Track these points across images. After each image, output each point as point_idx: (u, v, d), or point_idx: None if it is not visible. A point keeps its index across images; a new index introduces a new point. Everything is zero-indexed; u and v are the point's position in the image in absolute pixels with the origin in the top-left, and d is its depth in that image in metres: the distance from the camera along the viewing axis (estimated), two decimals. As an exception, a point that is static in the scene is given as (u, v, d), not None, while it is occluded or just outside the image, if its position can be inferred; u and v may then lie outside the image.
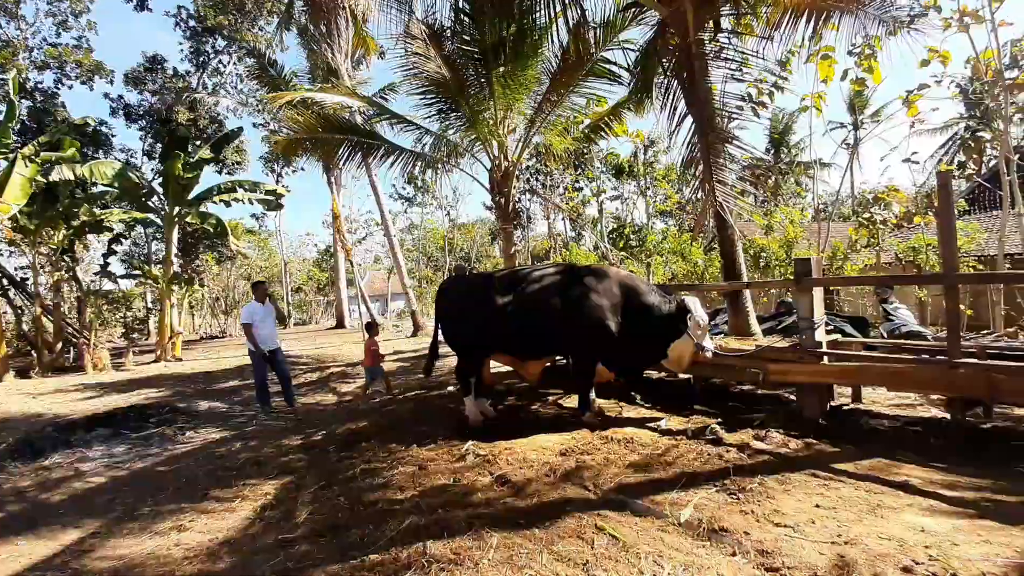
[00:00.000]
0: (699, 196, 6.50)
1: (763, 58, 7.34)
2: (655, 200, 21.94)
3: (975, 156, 14.64)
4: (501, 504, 3.22)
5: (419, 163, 9.95)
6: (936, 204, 12.07)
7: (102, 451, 5.40)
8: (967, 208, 15.37)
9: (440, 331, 5.21)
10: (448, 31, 8.11)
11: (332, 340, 16.24)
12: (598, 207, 23.47)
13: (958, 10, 8.48)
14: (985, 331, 9.36)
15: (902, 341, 4.96)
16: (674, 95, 6.94)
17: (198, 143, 18.94)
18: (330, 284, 31.40)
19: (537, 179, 23.15)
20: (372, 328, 7.16)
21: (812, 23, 7.19)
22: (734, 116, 6.76)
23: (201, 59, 23.61)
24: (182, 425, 6.16)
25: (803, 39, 7.72)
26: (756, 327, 6.40)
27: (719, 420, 4.40)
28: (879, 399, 4.85)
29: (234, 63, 24.04)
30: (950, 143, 24.23)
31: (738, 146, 6.29)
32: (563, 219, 24.93)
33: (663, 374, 6.27)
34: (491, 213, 29.91)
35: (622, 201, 27.88)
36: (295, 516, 3.42)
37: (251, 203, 14.36)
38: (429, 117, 9.50)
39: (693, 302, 4.46)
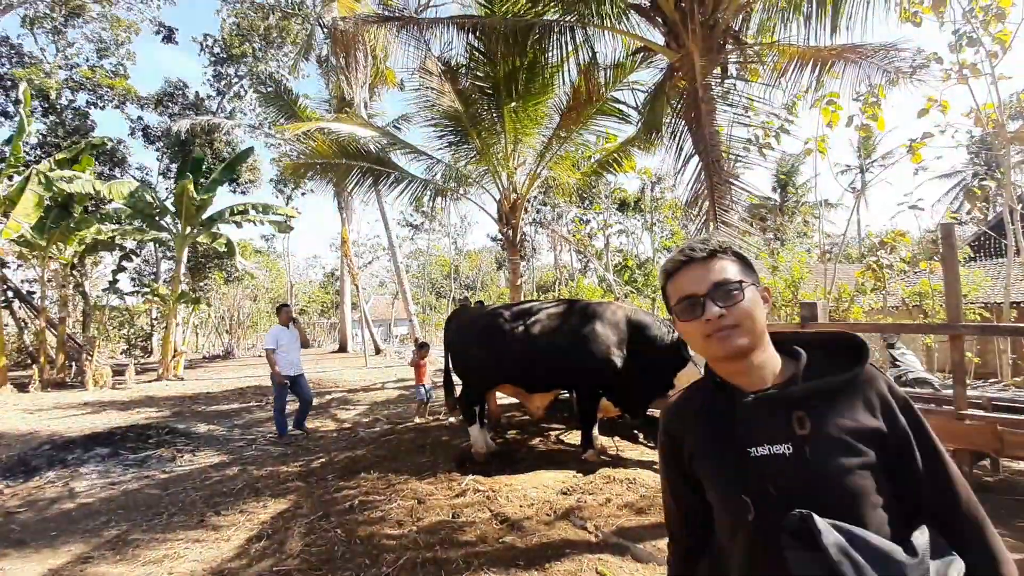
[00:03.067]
0: (704, 234, 6.56)
1: (769, 104, 7.53)
2: (661, 236, 22.11)
3: (980, 204, 14.73)
4: (499, 543, 3.17)
5: (429, 191, 10.13)
6: (940, 250, 12.12)
7: (98, 471, 5.35)
8: (973, 255, 15.39)
9: (449, 361, 5.23)
10: (463, 68, 8.37)
11: (334, 364, 16.19)
12: (604, 240, 23.64)
13: (957, 62, 8.73)
14: (992, 380, 9.26)
15: (908, 389, 4.92)
16: (680, 136, 7.09)
17: (212, 165, 19.41)
18: (334, 307, 31.51)
19: (542, 211, 23.43)
20: (424, 348, 7.12)
21: (816, 71, 7.40)
22: (740, 158, 6.89)
23: (222, 83, 24.38)
24: (180, 447, 6.11)
25: (808, 87, 7.95)
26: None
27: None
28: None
29: (253, 89, 24.82)
30: (956, 188, 24.46)
31: (743, 188, 6.39)
32: (569, 251, 25.11)
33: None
34: (496, 243, 30.19)
35: (627, 235, 28.13)
36: (290, 547, 3.37)
37: (262, 224, 14.55)
38: (441, 148, 9.75)
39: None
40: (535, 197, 20.21)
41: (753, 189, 6.48)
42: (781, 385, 0.93)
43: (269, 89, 17.39)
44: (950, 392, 5.01)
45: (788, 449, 0.87)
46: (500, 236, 10.38)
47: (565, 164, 10.48)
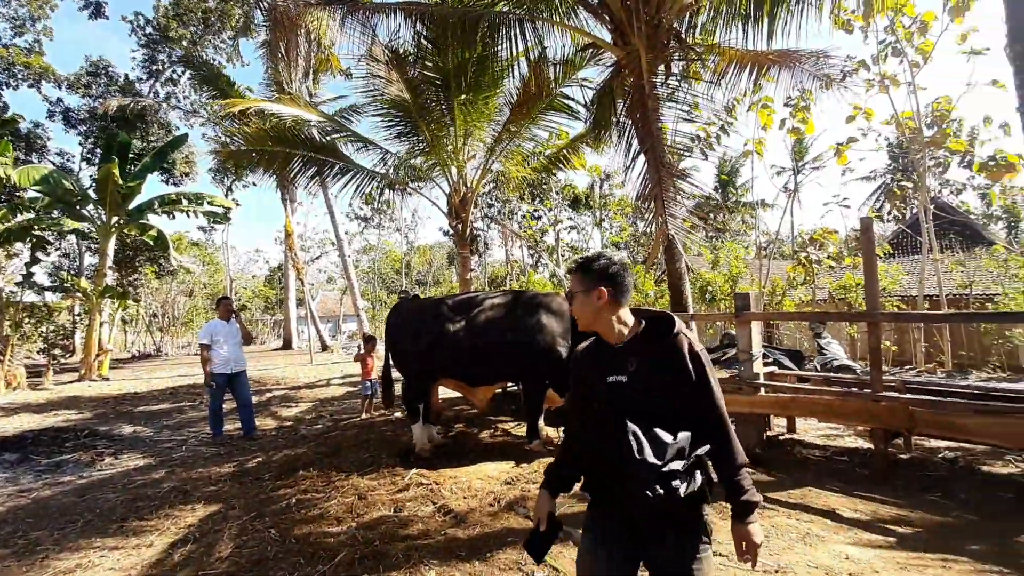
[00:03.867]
0: (652, 230, 6.73)
1: (711, 103, 7.82)
2: (610, 231, 22.56)
3: (899, 204, 15.94)
4: (442, 535, 3.13)
5: (378, 184, 9.86)
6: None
7: (5, 478, 4.90)
8: (891, 252, 16.60)
9: (391, 357, 5.10)
10: (411, 57, 8.19)
11: (277, 362, 15.56)
12: (555, 236, 23.89)
13: (880, 73, 9.37)
14: (908, 366, 10.04)
15: (832, 374, 5.24)
16: (629, 132, 7.24)
17: (142, 151, 18.15)
18: (279, 303, 30.30)
19: (494, 206, 23.41)
20: (370, 342, 6.86)
21: (754, 75, 7.74)
22: (685, 154, 7.10)
23: (155, 68, 22.82)
24: (102, 451, 5.69)
25: (746, 90, 8.32)
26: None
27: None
28: (810, 429, 5.08)
29: (189, 74, 23.37)
30: (879, 191, 26.31)
31: (689, 183, 6.59)
32: (521, 247, 25.23)
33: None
34: (449, 237, 29.91)
35: (578, 232, 28.56)
36: (219, 551, 3.19)
37: (196, 215, 13.75)
38: (389, 139, 9.52)
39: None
40: (486, 192, 20.15)
41: (699, 184, 6.72)
42: (626, 341, 1.54)
43: (205, 72, 16.44)
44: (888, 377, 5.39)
45: (624, 378, 1.49)
46: (451, 230, 10.27)
47: (515, 159, 10.48)
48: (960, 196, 23.65)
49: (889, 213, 21.93)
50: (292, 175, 9.40)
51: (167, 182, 22.78)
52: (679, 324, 1.50)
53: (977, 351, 11.36)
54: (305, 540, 3.19)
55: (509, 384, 6.00)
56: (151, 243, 13.92)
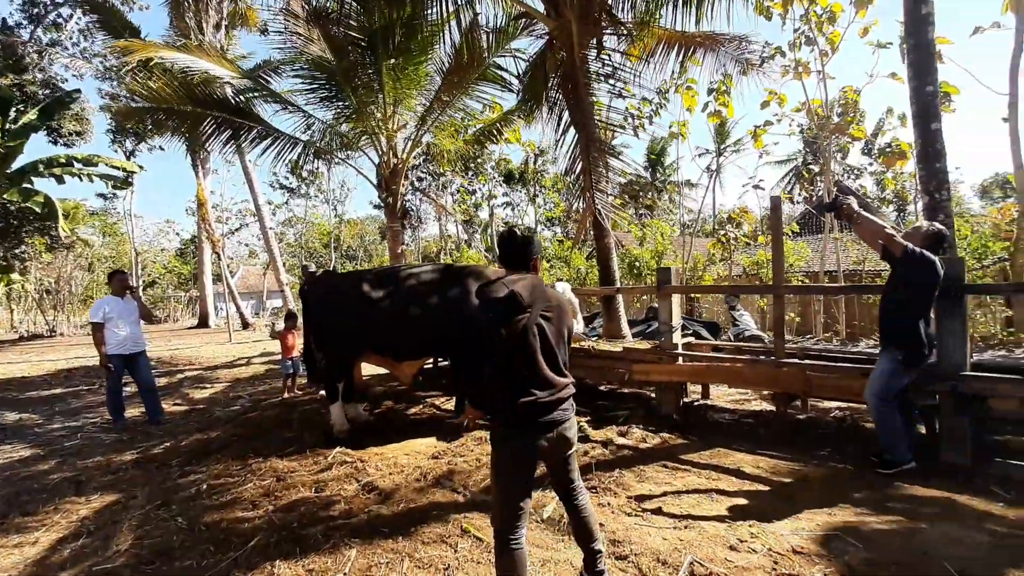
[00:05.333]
0: (581, 205, 6.81)
1: (641, 83, 7.94)
2: (544, 208, 22.74)
3: (807, 186, 17.22)
4: (365, 514, 3.06)
5: (301, 151, 9.26)
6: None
7: None
8: (799, 231, 17.95)
9: (310, 333, 4.86)
10: (333, 14, 7.66)
11: (191, 341, 14.53)
12: (489, 211, 23.76)
13: (795, 60, 9.89)
14: (809, 335, 10.98)
15: (743, 343, 5.62)
16: (560, 106, 7.23)
17: (23, 107, 15.95)
18: (194, 279, 28.17)
19: (425, 180, 22.85)
20: (292, 319, 6.42)
21: (681, 55, 7.93)
22: (616, 130, 7.19)
23: (36, 11, 19.93)
24: (-23, 442, 5.08)
25: (673, 71, 8.52)
26: (627, 330, 6.86)
27: (588, 418, 4.62)
28: (722, 395, 5.44)
29: (78, 18, 20.61)
30: (790, 174, 28.24)
31: (620, 159, 6.70)
32: (455, 222, 24.88)
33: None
34: (380, 211, 28.92)
35: (512, 208, 28.57)
36: (117, 543, 2.95)
37: (90, 179, 12.37)
38: (312, 103, 8.92)
39: (564, 287, 4.63)
40: (418, 164, 19.59)
41: (628, 162, 6.85)
42: None
43: (103, 18, 14.56)
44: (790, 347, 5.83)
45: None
46: (381, 203, 9.90)
47: (448, 131, 10.21)
48: (859, 181, 25.88)
49: (800, 195, 23.67)
50: (204, 139, 8.60)
51: (55, 143, 20.24)
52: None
53: (867, 321, 12.64)
54: (216, 527, 3.02)
55: (437, 359, 5.94)
56: (37, 211, 12.38)
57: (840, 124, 10.40)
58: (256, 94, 8.87)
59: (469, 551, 2.59)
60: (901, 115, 10.19)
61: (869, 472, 3.27)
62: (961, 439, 3.25)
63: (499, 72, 8.82)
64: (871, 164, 25.07)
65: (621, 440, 4.07)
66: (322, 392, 5.89)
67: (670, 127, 11.51)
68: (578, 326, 4.73)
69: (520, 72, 8.50)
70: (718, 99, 9.83)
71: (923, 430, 3.70)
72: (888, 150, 9.65)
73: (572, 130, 6.99)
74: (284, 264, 18.75)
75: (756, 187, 13.56)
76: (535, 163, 21.01)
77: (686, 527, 2.66)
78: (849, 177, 25.78)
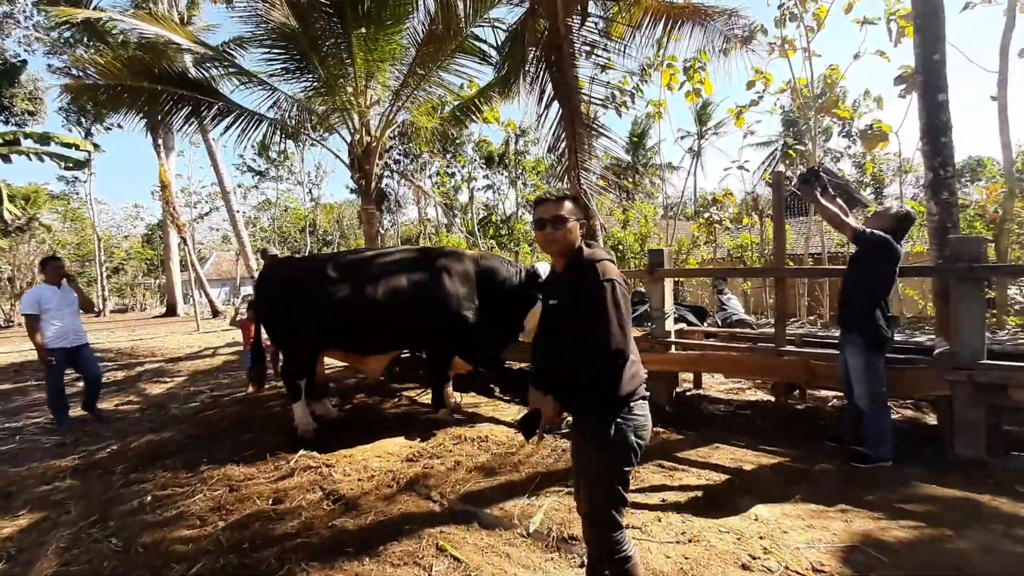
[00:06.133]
0: (565, 185, 6.44)
1: (627, 56, 7.55)
2: (525, 190, 22.29)
3: (792, 168, 17.18)
4: (328, 529, 2.71)
5: (271, 130, 8.68)
6: (758, 206, 13.82)
7: None
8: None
9: (263, 327, 4.41)
10: (296, -24, 7.06)
11: (157, 330, 13.87)
12: (469, 194, 23.21)
13: (780, 37, 9.59)
14: (792, 319, 10.89)
15: (735, 329, 5.36)
16: (543, 79, 6.81)
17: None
18: (161, 265, 27.12)
19: (402, 162, 22.15)
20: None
21: (668, 28, 7.53)
22: (600, 107, 6.81)
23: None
24: (-102, 448, 4.55)
25: (661, 47, 8.15)
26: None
27: (575, 412, 4.32)
28: (715, 384, 5.19)
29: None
30: (770, 157, 28.24)
31: (604, 135, 6.33)
32: (434, 205, 24.27)
33: (526, 364, 6.15)
34: (355, 193, 28.11)
35: (493, 191, 28.00)
36: (40, 569, 2.55)
37: (40, 159, 11.52)
38: (277, 76, 8.29)
39: (543, 267, 4.30)
40: (393, 143, 18.90)
41: (614, 137, 6.48)
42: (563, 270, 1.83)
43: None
44: (766, 331, 5.60)
45: (556, 303, 1.82)
46: (355, 184, 9.37)
47: (424, 107, 9.68)
48: (838, 163, 25.98)
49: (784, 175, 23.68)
50: (162, 116, 7.95)
51: (6, 122, 19.02)
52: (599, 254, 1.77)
53: (848, 304, 12.63)
54: (155, 549, 2.63)
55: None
56: (-18, 193, 11.53)
57: (826, 103, 10.18)
58: (216, 65, 8.23)
59: (445, 574, 2.26)
60: (877, 97, 9.98)
61: (881, 470, 3.03)
62: (977, 431, 3.03)
63: (478, 44, 8.32)
64: (849, 147, 25.21)
65: (611, 436, 3.77)
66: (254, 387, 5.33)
67: (647, 106, 11.24)
68: None
69: (499, 43, 8.03)
70: (693, 77, 9.55)
71: (934, 422, 3.49)
72: (870, 132, 9.48)
73: (555, 105, 6.60)
74: (257, 249, 18.03)
75: (741, 168, 13.37)
76: (516, 144, 20.49)
77: (690, 541, 2.36)
78: (830, 159, 25.87)
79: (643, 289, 9.86)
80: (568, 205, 1.79)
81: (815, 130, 10.76)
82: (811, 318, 10.77)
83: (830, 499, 2.72)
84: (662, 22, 7.46)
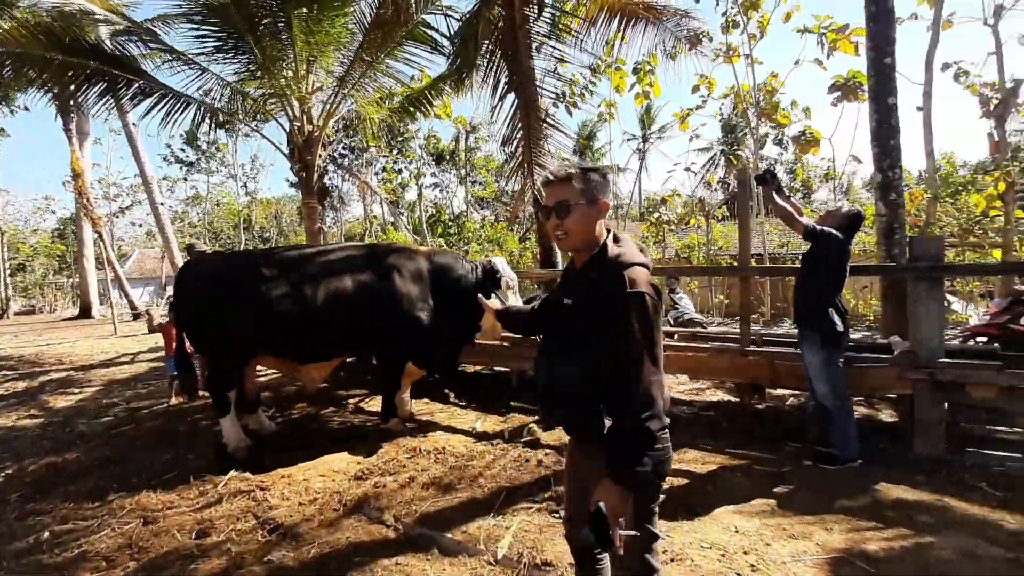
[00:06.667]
0: (517, 180, 6.23)
1: (582, 50, 7.46)
2: (475, 187, 21.98)
3: (734, 171, 17.93)
4: (263, 564, 2.34)
5: (197, 113, 7.93)
6: (704, 208, 14.21)
7: None
8: (727, 215, 18.56)
9: (186, 331, 3.87)
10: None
11: (68, 334, 12.51)
12: (418, 191, 22.64)
13: (725, 43, 9.83)
14: (737, 318, 11.20)
15: (694, 329, 5.34)
16: (497, 68, 6.57)
17: None
18: (74, 262, 24.71)
19: (347, 157, 21.29)
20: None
21: (623, 26, 7.50)
22: (552, 96, 6.66)
23: None
24: None
25: (610, 46, 8.12)
26: (568, 316, 6.43)
27: (536, 418, 4.10)
28: (675, 385, 5.12)
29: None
30: (710, 162, 29.37)
31: (558, 129, 6.16)
32: (380, 203, 23.47)
33: (479, 367, 5.89)
34: (295, 188, 26.79)
35: (441, 190, 27.47)
36: None
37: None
38: (206, 54, 7.58)
39: (500, 261, 4.06)
40: (337, 135, 18.06)
41: (566, 130, 6.32)
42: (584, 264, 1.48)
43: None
44: (717, 330, 5.62)
45: (571, 301, 1.45)
46: (295, 177, 8.75)
47: (372, 97, 9.19)
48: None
49: (719, 181, 24.63)
50: (74, 91, 7.05)
51: None
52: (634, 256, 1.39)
53: (786, 302, 13.22)
54: (44, 603, 2.17)
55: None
56: None
57: (766, 108, 10.54)
58: (136, 40, 7.42)
59: (404, 616, 1.97)
60: (805, 108, 10.41)
61: (849, 471, 2.99)
62: (937, 430, 3.06)
63: (429, 32, 7.94)
64: (782, 154, 26.57)
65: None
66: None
67: (599, 105, 11.31)
68: (516, 300, 4.17)
69: (452, 33, 7.70)
70: (642, 79, 9.67)
71: (889, 418, 3.53)
72: (803, 138, 9.89)
73: (510, 97, 6.39)
74: (184, 246, 16.70)
75: (688, 169, 13.67)
76: (467, 140, 20.13)
77: (673, 560, 2.19)
78: (766, 164, 27.18)
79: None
80: (576, 185, 1.39)
81: (756, 134, 11.13)
82: (752, 316, 11.13)
83: (806, 506, 2.63)
84: (617, 18, 7.42)
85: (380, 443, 3.72)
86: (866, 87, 4.72)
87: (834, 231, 3.05)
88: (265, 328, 3.52)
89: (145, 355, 8.59)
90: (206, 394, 5.17)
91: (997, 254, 8.63)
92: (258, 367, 4.34)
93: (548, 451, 3.46)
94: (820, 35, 8.87)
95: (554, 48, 6.67)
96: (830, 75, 8.33)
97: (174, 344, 4.94)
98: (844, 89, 8.59)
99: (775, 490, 2.81)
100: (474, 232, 15.48)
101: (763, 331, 4.91)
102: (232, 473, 3.27)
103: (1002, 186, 8.20)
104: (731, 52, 9.93)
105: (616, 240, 1.43)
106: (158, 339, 10.31)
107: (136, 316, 15.66)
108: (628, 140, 32.35)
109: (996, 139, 9.21)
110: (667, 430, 1.35)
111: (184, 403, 5.04)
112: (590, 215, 1.40)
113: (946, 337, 3.88)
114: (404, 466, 3.30)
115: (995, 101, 9.15)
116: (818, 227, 3.09)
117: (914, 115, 8.97)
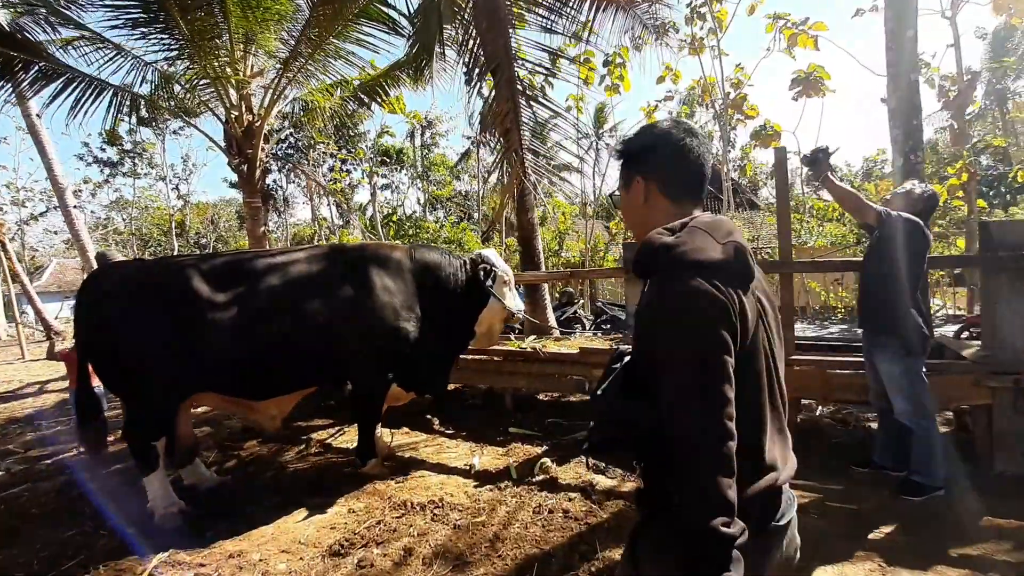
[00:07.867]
0: (504, 172, 5.57)
1: (551, 33, 6.94)
2: (433, 187, 21.08)
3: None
4: None
5: (114, 100, 6.85)
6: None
7: None
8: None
9: (92, 367, 2.93)
10: None
11: (-38, 360, 10.75)
12: (371, 191, 21.48)
13: (690, 35, 9.58)
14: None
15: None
16: (475, 46, 5.90)
17: None
18: (-24, 276, 21.94)
19: (294, 155, 19.90)
20: None
21: (594, 9, 7.04)
22: (543, 76, 6.09)
23: None
24: None
25: (587, 22, 7.63)
26: (553, 321, 5.86)
27: (544, 447, 3.45)
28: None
29: None
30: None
31: (550, 108, 5.56)
32: (329, 204, 22.11)
33: (461, 384, 5.17)
34: (236, 188, 24.96)
35: (392, 191, 26.31)
36: None
37: None
38: (122, 28, 6.45)
39: (491, 254, 3.41)
40: (282, 127, 16.73)
41: (557, 107, 5.74)
42: None
43: None
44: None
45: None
46: (235, 173, 7.70)
47: (321, 85, 8.26)
48: (724, 167, 27.98)
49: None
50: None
51: None
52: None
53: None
54: None
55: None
56: None
57: (736, 101, 10.36)
58: (32, 13, 6.24)
59: None
60: (752, 105, 10.32)
61: (937, 501, 2.51)
62: (1021, 445, 2.64)
63: (385, 9, 7.11)
64: (730, 150, 27.17)
65: (602, 481, 2.95)
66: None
67: (566, 100, 10.86)
68: (517, 302, 3.55)
69: (411, 12, 6.92)
70: (613, 72, 9.30)
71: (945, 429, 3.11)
72: (763, 132, 9.78)
73: (490, 79, 5.72)
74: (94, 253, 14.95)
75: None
76: (423, 136, 19.21)
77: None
78: (715, 161, 27.78)
79: (571, 289, 9.34)
80: (624, 163, 1.11)
81: (727, 128, 10.96)
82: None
83: (918, 556, 2.11)
84: (587, 1, 6.94)
85: (358, 495, 2.95)
86: (884, 63, 4.38)
87: (913, 216, 2.59)
88: (200, 358, 2.65)
89: (56, 383, 7.29)
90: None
91: (961, 243, 8.75)
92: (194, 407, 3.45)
93: (571, 495, 2.81)
94: (776, 31, 8.74)
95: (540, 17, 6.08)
96: (796, 66, 8.16)
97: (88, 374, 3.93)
98: (805, 84, 8.47)
99: (870, 537, 2.28)
100: (433, 232, 14.68)
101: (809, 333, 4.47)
102: (160, 556, 2.42)
103: (964, 176, 8.28)
104: (696, 44, 9.70)
105: (671, 230, 0.92)
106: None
107: (51, 336, 13.82)
108: (584, 137, 32.29)
109: (956, 129, 9.38)
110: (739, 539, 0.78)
111: (98, 454, 4.03)
112: (628, 201, 1.09)
113: (945, 331, 3.53)
114: (395, 531, 2.56)
115: (953, 93, 9.32)
116: (894, 213, 2.62)
117: (880, 107, 8.99)
